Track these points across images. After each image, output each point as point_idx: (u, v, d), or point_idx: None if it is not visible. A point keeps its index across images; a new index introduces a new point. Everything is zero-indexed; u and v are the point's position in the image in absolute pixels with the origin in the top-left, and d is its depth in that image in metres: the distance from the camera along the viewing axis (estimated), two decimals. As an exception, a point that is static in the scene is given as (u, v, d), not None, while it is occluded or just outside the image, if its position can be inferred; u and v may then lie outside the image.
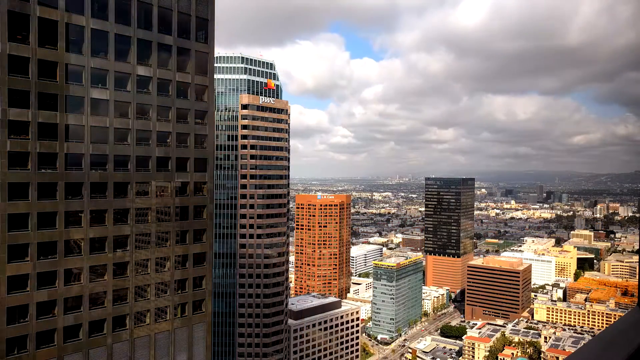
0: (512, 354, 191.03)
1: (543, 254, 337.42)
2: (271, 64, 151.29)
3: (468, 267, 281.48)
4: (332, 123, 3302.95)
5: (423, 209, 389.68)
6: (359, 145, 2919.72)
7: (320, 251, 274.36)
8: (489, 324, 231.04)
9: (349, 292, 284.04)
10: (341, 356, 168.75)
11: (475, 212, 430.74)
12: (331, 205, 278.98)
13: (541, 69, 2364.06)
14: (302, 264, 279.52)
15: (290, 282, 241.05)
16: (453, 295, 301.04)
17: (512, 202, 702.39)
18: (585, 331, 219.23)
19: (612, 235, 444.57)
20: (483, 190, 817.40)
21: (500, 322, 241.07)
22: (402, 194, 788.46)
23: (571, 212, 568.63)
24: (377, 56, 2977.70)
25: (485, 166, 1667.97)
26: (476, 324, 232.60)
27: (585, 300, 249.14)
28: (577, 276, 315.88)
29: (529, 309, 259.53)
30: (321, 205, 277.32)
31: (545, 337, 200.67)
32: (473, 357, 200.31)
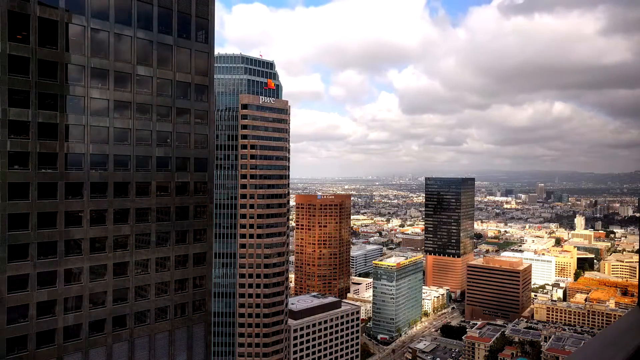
0: (512, 353, 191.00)
1: (543, 254, 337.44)
2: (271, 64, 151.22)
3: (468, 267, 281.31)
4: (343, 126, 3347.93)
5: (423, 209, 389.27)
6: (365, 147, 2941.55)
7: (320, 251, 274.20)
8: (489, 324, 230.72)
9: (349, 292, 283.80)
10: (341, 356, 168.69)
11: (476, 212, 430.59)
12: (331, 205, 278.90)
13: (547, 83, 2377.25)
14: (302, 264, 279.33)
15: (290, 282, 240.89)
16: (453, 295, 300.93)
17: (513, 201, 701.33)
18: (585, 331, 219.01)
19: (612, 235, 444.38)
20: (483, 190, 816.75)
21: (500, 322, 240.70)
22: (402, 194, 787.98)
23: (571, 212, 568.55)
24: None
25: (485, 165, 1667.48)
26: (476, 324, 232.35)
27: (585, 300, 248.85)
28: (577, 276, 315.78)
29: (529, 309, 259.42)
30: (321, 205, 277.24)
31: (545, 337, 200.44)
32: (473, 357, 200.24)
